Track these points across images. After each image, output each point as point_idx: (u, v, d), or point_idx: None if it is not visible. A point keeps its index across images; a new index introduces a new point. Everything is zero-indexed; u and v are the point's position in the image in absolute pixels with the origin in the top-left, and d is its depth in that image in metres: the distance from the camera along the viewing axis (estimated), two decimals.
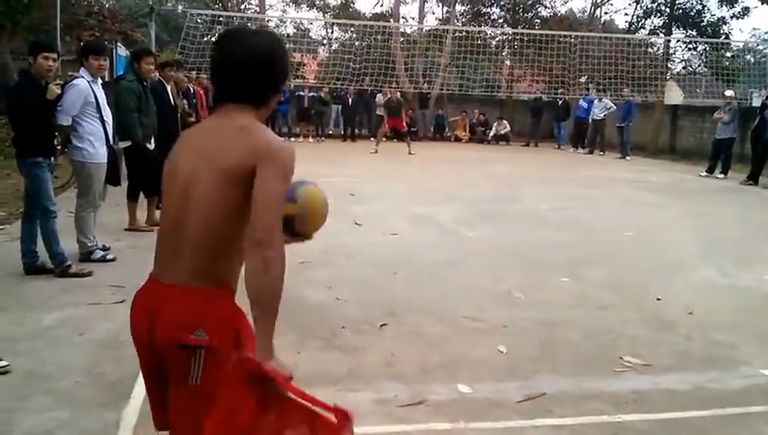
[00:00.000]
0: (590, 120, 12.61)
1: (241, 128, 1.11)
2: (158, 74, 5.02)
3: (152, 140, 4.58)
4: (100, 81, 3.64)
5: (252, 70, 1.14)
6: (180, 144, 1.24)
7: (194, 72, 8.17)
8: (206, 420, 1.04)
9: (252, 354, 1.10)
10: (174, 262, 1.12)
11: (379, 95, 13.64)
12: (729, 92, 10.06)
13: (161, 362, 1.16)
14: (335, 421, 1.08)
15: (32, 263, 3.36)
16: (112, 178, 3.79)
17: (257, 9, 16.98)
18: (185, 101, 6.16)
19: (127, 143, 4.39)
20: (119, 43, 9.22)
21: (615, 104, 12.16)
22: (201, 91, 7.48)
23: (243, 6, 17.57)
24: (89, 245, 3.63)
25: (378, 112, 13.85)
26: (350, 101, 13.33)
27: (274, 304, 1.11)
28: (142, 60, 4.52)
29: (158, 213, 4.79)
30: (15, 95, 3.29)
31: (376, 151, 11.01)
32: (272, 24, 17.56)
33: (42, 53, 3.18)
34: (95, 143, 3.55)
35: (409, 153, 10.82)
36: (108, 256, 3.68)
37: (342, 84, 12.83)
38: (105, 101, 3.65)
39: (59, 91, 3.32)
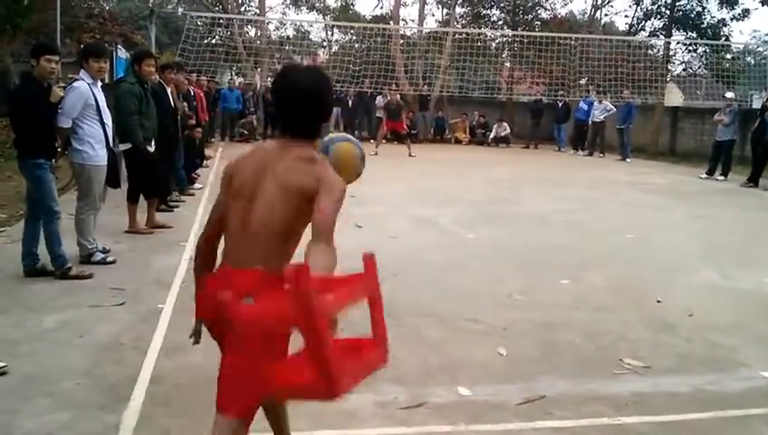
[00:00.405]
0: (590, 122, 12.62)
1: (310, 159, 1.42)
2: (158, 77, 5.04)
3: (152, 143, 4.59)
4: (99, 83, 3.65)
5: (314, 112, 1.46)
6: (246, 160, 1.48)
7: (194, 75, 8.18)
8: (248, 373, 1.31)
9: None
10: (241, 252, 1.39)
11: (378, 97, 13.66)
12: (729, 94, 10.07)
13: (220, 325, 1.40)
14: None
15: (32, 265, 3.37)
16: (112, 181, 3.79)
17: (257, 11, 17.01)
18: (185, 104, 6.17)
19: (127, 146, 4.40)
20: (119, 46, 9.24)
21: (615, 106, 12.18)
22: (201, 94, 7.49)
23: (243, 8, 17.61)
24: (89, 247, 3.63)
25: (377, 114, 13.87)
26: (350, 103, 13.34)
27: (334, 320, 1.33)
28: (143, 62, 4.53)
29: (158, 215, 4.80)
30: (18, 97, 3.29)
31: (376, 153, 11.02)
32: (271, 27, 17.62)
33: (44, 56, 3.18)
34: (95, 146, 3.56)
35: (410, 155, 10.84)
36: (108, 259, 3.68)
37: (342, 86, 12.86)
38: (105, 103, 3.66)
39: (62, 94, 3.33)
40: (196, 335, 1.62)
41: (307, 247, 1.30)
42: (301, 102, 1.43)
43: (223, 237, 1.47)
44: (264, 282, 1.35)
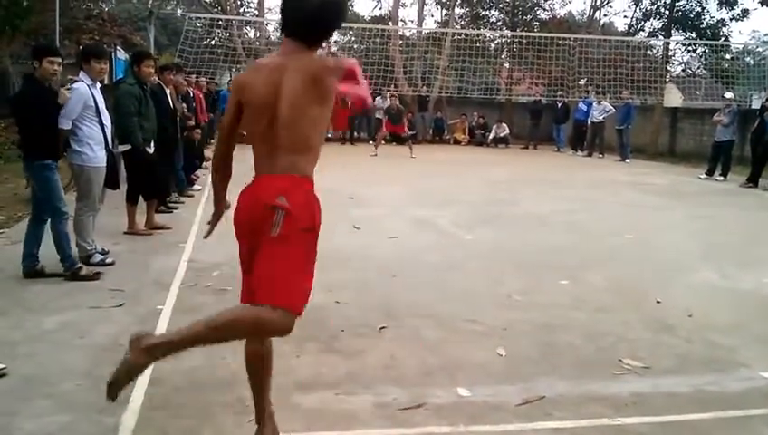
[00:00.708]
0: (590, 123, 12.64)
1: (312, 60, 1.61)
2: (156, 78, 5.04)
3: (152, 144, 4.59)
4: (99, 84, 3.65)
5: (326, 22, 1.61)
6: (257, 77, 1.62)
7: (193, 76, 8.18)
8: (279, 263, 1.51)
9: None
10: (272, 164, 1.61)
11: (378, 98, 13.67)
12: (729, 94, 10.09)
13: (254, 230, 1.58)
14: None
15: (31, 266, 3.37)
16: (111, 182, 3.79)
17: (256, 12, 17.02)
18: (184, 105, 6.17)
19: (126, 147, 4.40)
20: (118, 47, 9.25)
21: (614, 107, 12.19)
22: (200, 95, 7.50)
23: (242, 10, 17.62)
24: (88, 248, 3.63)
25: (377, 116, 13.89)
26: (349, 104, 13.30)
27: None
28: (142, 63, 4.53)
29: (157, 216, 4.80)
30: (23, 99, 3.29)
31: (375, 154, 11.03)
32: (270, 28, 17.62)
33: (47, 57, 3.20)
34: (94, 147, 3.56)
35: (411, 157, 10.85)
36: (107, 260, 3.68)
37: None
38: (104, 104, 3.66)
39: (69, 96, 3.35)
40: (210, 231, 1.93)
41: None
42: (316, 9, 1.54)
43: (254, 153, 1.66)
44: (294, 184, 1.57)
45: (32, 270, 3.36)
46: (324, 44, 1.73)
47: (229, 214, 1.78)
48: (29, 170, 3.34)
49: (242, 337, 1.70)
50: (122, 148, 4.44)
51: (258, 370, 1.81)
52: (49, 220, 3.37)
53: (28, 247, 3.37)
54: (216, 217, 1.88)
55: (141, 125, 4.42)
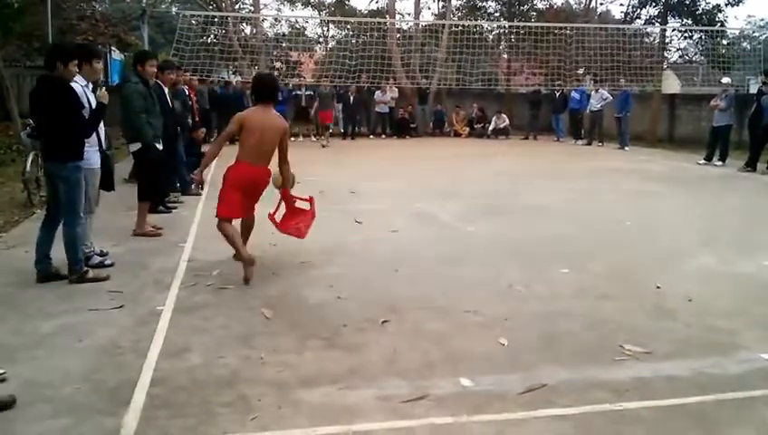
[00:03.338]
0: (588, 111, 12.58)
1: (280, 117, 3.60)
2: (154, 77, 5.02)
3: (160, 141, 4.61)
4: (91, 85, 3.64)
5: (276, 94, 3.68)
6: (252, 116, 3.49)
7: (188, 74, 8.14)
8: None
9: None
10: (257, 158, 3.45)
11: (377, 92, 13.63)
12: (726, 79, 10.03)
13: (250, 189, 3.50)
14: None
15: (46, 270, 3.35)
16: (106, 184, 3.78)
17: (252, 9, 16.92)
18: (182, 104, 6.14)
19: (137, 145, 4.39)
20: (112, 47, 9.20)
21: (612, 95, 12.14)
22: (193, 94, 7.45)
23: (237, 6, 17.50)
24: (85, 250, 3.62)
25: (377, 109, 13.86)
26: (351, 99, 13.29)
27: (291, 182, 3.81)
28: (146, 62, 4.53)
29: (154, 217, 4.79)
30: (60, 100, 3.21)
31: (326, 145, 11.40)
32: (267, 24, 17.51)
33: (73, 60, 3.29)
34: (88, 149, 3.53)
35: (323, 146, 11.25)
36: (106, 262, 3.67)
37: (340, 82, 12.81)
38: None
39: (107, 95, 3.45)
40: (201, 184, 4.60)
41: (280, 164, 3.66)
42: (273, 88, 3.62)
43: (241, 148, 3.48)
44: (266, 172, 3.51)
45: (47, 273, 3.34)
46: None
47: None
48: (59, 172, 3.28)
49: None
50: (134, 147, 4.43)
51: (244, 230, 3.65)
52: (63, 223, 3.34)
53: (42, 251, 3.35)
54: (201, 176, 3.69)
55: (149, 123, 4.42)
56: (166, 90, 5.33)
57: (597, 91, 12.37)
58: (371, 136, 13.87)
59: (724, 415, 2.06)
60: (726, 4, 13.99)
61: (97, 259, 3.66)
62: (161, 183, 4.67)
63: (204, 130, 6.88)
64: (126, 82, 4.71)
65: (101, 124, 3.68)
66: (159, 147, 4.57)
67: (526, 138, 14.02)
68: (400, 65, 14.31)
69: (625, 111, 11.73)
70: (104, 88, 3.58)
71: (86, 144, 3.53)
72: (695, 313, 2.99)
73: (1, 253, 4.01)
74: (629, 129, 11.85)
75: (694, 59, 15.63)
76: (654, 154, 11.01)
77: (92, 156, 3.57)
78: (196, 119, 6.88)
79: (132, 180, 5.86)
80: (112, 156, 4.24)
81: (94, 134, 3.59)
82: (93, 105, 3.56)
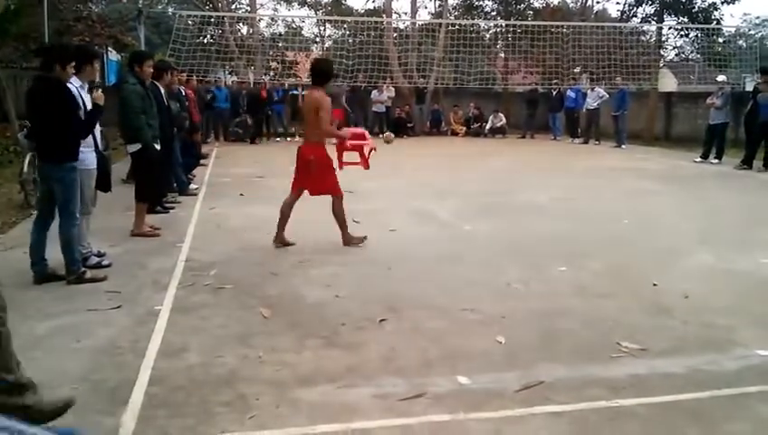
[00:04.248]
0: (584, 110, 12.61)
1: (317, 92, 4.06)
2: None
3: (158, 142, 4.61)
4: (86, 86, 3.64)
5: (323, 75, 4.12)
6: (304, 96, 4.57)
7: (184, 75, 8.13)
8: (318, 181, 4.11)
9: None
10: (307, 135, 4.20)
11: (374, 91, 13.63)
12: (721, 77, 10.07)
13: (304, 165, 4.07)
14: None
15: (43, 271, 3.35)
16: (103, 184, 3.78)
17: (248, 9, 16.89)
18: (177, 104, 6.14)
19: (137, 146, 4.38)
20: (109, 48, 9.18)
21: (609, 93, 12.17)
22: (192, 94, 7.45)
23: (233, 6, 17.47)
24: (83, 251, 3.62)
25: (374, 109, 13.85)
26: (343, 99, 13.30)
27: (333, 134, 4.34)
28: (144, 63, 4.53)
29: (147, 217, 4.78)
30: (57, 102, 3.21)
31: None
32: (263, 24, 17.50)
33: (71, 62, 3.28)
34: (84, 149, 3.53)
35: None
36: (103, 262, 3.67)
37: (336, 81, 12.80)
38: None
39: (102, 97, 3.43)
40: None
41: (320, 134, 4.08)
42: (316, 70, 4.09)
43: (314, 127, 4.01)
44: (317, 147, 4.04)
45: (45, 274, 3.33)
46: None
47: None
48: (55, 173, 3.27)
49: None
50: (132, 148, 4.42)
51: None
52: (59, 224, 3.34)
53: (37, 253, 3.35)
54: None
55: (148, 123, 4.41)
56: (162, 90, 5.32)
57: (593, 89, 12.39)
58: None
59: (719, 411, 2.07)
60: (722, 2, 14.02)
61: (94, 260, 3.65)
62: (159, 183, 4.66)
63: (200, 132, 6.86)
64: (123, 82, 4.69)
65: (97, 125, 3.68)
66: (158, 147, 4.57)
67: (523, 137, 14.04)
68: (397, 65, 14.32)
69: (622, 109, 11.76)
70: (100, 89, 3.57)
71: (81, 145, 3.53)
72: (691, 310, 3.00)
73: None
74: (627, 127, 11.88)
75: (690, 57, 15.66)
76: (651, 152, 11.04)
77: (88, 156, 3.57)
78: (195, 120, 6.88)
79: (130, 181, 5.86)
80: (109, 157, 4.23)
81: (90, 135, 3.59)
82: (88, 106, 3.56)
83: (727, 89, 9.57)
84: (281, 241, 4.10)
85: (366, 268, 3.69)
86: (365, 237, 4.21)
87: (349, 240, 4.13)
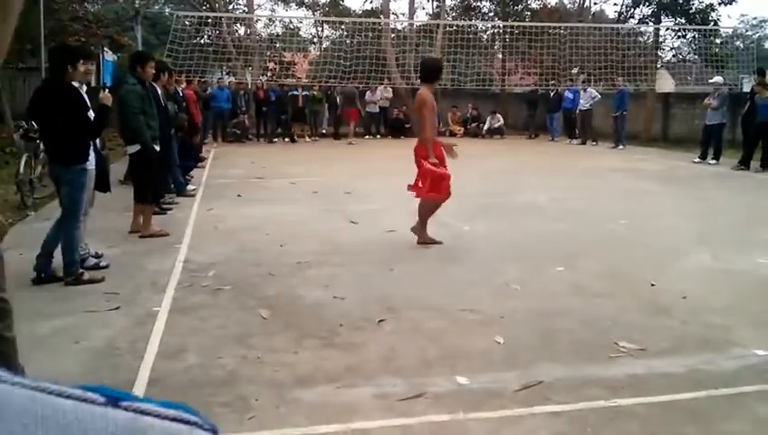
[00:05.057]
0: (578, 111, 12.66)
1: (422, 91, 4.32)
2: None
3: (158, 143, 4.61)
4: (85, 87, 3.63)
5: (431, 73, 4.45)
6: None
7: (183, 75, 8.12)
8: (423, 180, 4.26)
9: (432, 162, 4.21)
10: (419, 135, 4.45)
11: (367, 93, 13.63)
12: (717, 78, 10.12)
13: (417, 163, 4.26)
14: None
15: (46, 269, 3.34)
16: (101, 185, 3.77)
17: (245, 9, 16.88)
18: (175, 105, 6.13)
19: (136, 147, 4.37)
20: (105, 48, 9.15)
21: (608, 94, 12.21)
22: (192, 95, 7.44)
23: (231, 7, 17.45)
24: (81, 252, 3.60)
25: (368, 109, 13.86)
26: (338, 99, 13.31)
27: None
28: (147, 64, 4.54)
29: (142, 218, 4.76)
30: (66, 104, 3.21)
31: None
32: (260, 25, 17.48)
33: (80, 60, 3.28)
34: None
35: (350, 143, 11.68)
36: (101, 263, 3.66)
37: (334, 82, 12.81)
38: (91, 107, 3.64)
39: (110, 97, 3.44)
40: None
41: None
42: (424, 68, 4.43)
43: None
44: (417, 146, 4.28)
45: (46, 273, 3.32)
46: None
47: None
48: (64, 175, 3.28)
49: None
50: (132, 148, 4.41)
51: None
52: (63, 224, 3.34)
53: (47, 248, 3.34)
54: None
55: (148, 124, 4.41)
56: (159, 90, 5.32)
57: (585, 90, 12.45)
58: (367, 136, 13.87)
59: (717, 411, 2.08)
60: (719, 3, 14.09)
61: (92, 261, 3.64)
62: (157, 184, 4.65)
63: (198, 135, 6.86)
64: (122, 83, 4.67)
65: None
66: (157, 148, 4.56)
67: (530, 137, 14.07)
68: (395, 65, 14.33)
69: (621, 109, 11.80)
70: (107, 90, 3.60)
71: None
72: (689, 310, 3.01)
73: None
74: (626, 128, 11.92)
75: (687, 58, 15.72)
76: (648, 153, 11.07)
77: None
78: (196, 121, 6.87)
79: (127, 182, 5.84)
80: (107, 157, 4.22)
81: None
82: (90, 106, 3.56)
83: (724, 90, 9.61)
84: (425, 240, 4.22)
85: (364, 269, 3.69)
86: (439, 242, 4.27)
87: (424, 239, 4.21)
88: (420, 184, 4.23)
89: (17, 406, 0.19)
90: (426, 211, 4.24)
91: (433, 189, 4.14)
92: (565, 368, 2.35)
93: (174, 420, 0.22)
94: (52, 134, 3.31)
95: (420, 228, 4.24)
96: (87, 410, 0.20)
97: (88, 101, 3.45)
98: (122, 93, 4.43)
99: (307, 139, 12.91)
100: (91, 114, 3.39)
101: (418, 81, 16.38)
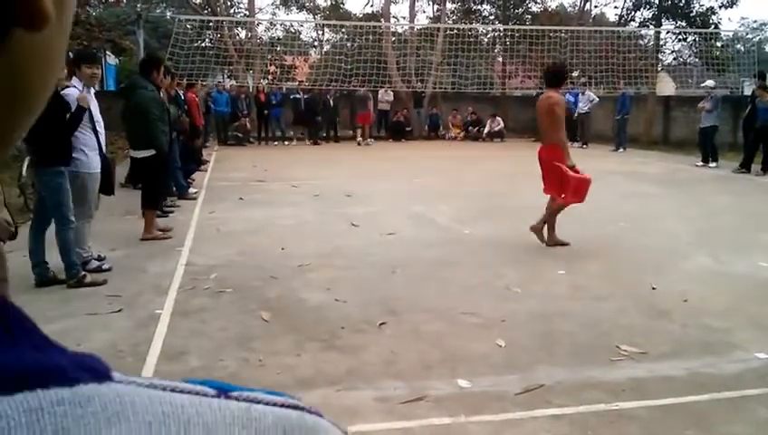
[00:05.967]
0: (576, 114, 12.69)
1: (552, 95, 4.30)
2: None
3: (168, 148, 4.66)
4: (92, 90, 3.64)
5: (556, 77, 4.41)
6: (538, 101, 4.46)
7: (184, 79, 8.15)
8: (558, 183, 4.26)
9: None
10: (543, 138, 4.46)
11: (380, 91, 13.66)
12: (710, 82, 10.15)
13: (542, 167, 4.36)
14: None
15: (44, 275, 3.35)
16: (106, 188, 3.79)
17: (246, 13, 16.95)
18: (177, 108, 6.16)
19: (150, 152, 4.39)
20: (107, 52, 9.19)
21: (610, 97, 12.23)
22: (196, 99, 7.47)
23: (232, 10, 17.53)
24: (84, 255, 3.62)
25: (380, 108, 13.89)
26: (331, 102, 13.33)
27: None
28: (161, 68, 4.57)
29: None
30: (53, 108, 3.23)
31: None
32: (261, 28, 17.55)
33: (86, 64, 3.35)
34: (88, 153, 3.54)
35: (359, 144, 11.60)
36: (104, 266, 3.67)
37: (335, 85, 12.84)
38: (98, 110, 3.65)
39: (91, 99, 3.42)
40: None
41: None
42: (551, 73, 4.42)
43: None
44: (543, 150, 4.36)
45: (46, 278, 3.34)
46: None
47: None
48: (41, 177, 3.32)
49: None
50: (144, 153, 4.43)
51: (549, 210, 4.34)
52: (55, 228, 3.35)
53: (36, 256, 3.36)
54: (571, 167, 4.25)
55: (162, 130, 4.44)
56: (162, 94, 5.35)
57: (583, 93, 12.47)
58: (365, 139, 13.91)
59: (719, 414, 2.08)
60: (720, 7, 14.14)
61: (95, 264, 3.65)
62: (161, 189, 4.67)
63: (200, 138, 6.89)
64: (139, 88, 4.52)
65: (101, 128, 3.69)
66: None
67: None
68: (395, 69, 14.37)
69: (623, 112, 11.82)
70: (90, 91, 3.55)
71: (86, 149, 3.54)
72: (690, 313, 3.02)
73: None
74: (627, 130, 11.93)
75: (688, 61, 15.76)
76: (649, 156, 11.08)
77: (93, 160, 3.57)
78: (198, 125, 6.90)
79: (128, 185, 5.86)
80: (112, 160, 4.24)
81: (94, 138, 3.59)
82: (93, 109, 3.58)
83: (717, 93, 9.64)
84: (554, 241, 4.28)
85: (365, 272, 3.69)
86: (567, 243, 4.31)
87: (554, 241, 4.28)
88: (559, 189, 4.18)
89: (139, 405, 0.19)
90: (553, 213, 4.25)
91: (576, 195, 4.12)
92: (566, 371, 2.35)
93: (283, 406, 0.23)
94: (30, 136, 3.34)
95: (549, 232, 4.27)
96: (203, 402, 0.21)
97: (71, 104, 3.46)
98: (142, 99, 4.40)
99: (307, 142, 12.94)
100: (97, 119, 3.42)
101: (420, 83, 16.38)
